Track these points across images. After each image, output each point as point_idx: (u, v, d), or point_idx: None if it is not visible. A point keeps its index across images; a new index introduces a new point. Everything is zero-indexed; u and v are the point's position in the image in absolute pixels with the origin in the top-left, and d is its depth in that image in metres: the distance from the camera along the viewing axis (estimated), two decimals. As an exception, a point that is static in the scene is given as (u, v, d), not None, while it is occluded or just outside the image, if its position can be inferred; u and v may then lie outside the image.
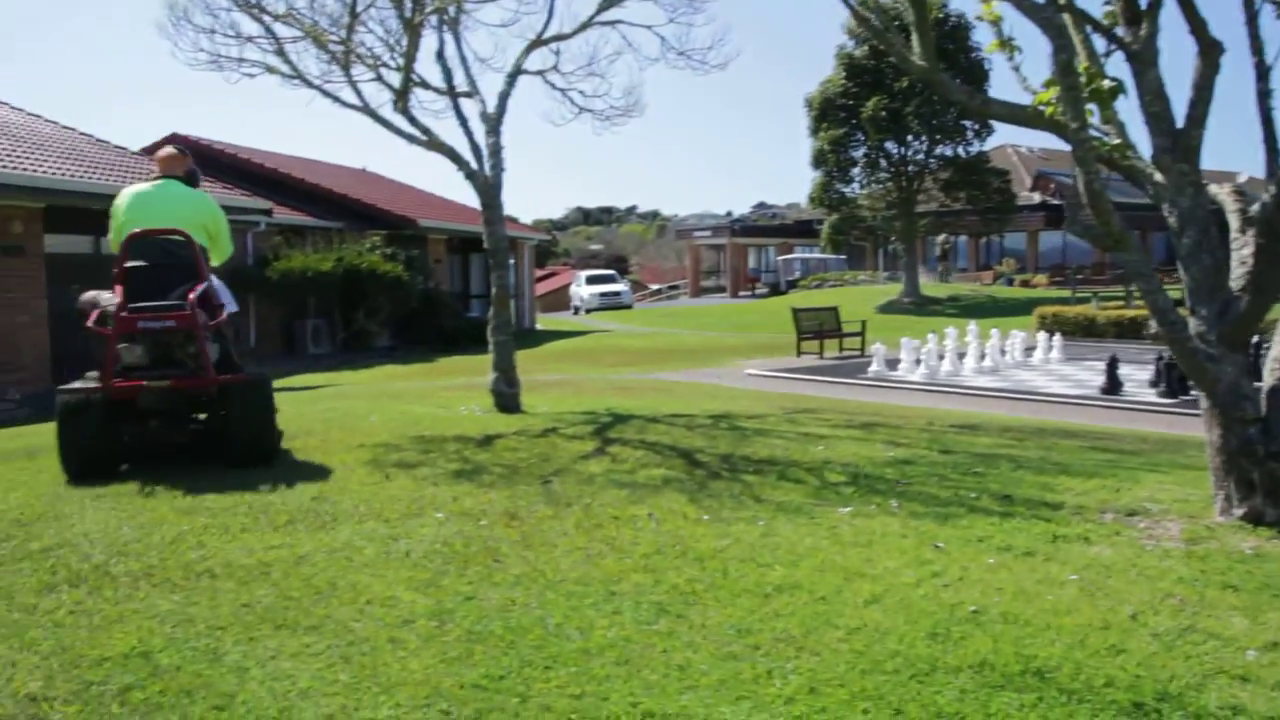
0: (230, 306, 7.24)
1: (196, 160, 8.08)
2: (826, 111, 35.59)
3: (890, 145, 35.38)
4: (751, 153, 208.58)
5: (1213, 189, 5.25)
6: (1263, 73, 4.73)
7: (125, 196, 7.23)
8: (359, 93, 10.33)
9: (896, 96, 33.76)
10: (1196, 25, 4.84)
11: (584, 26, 11.14)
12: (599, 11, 11.10)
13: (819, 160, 35.88)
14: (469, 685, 3.16)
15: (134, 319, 6.53)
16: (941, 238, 43.74)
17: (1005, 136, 56.27)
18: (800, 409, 10.93)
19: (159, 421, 6.95)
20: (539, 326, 36.11)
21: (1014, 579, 4.17)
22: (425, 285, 27.52)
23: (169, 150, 7.55)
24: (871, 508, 5.44)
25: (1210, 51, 4.85)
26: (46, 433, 9.35)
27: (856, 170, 36.51)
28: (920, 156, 35.67)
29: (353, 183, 31.17)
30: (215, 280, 7.18)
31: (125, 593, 4.07)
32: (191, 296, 6.59)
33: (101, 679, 3.22)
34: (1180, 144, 5.01)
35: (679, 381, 15.90)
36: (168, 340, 6.64)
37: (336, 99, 10.44)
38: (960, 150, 35.56)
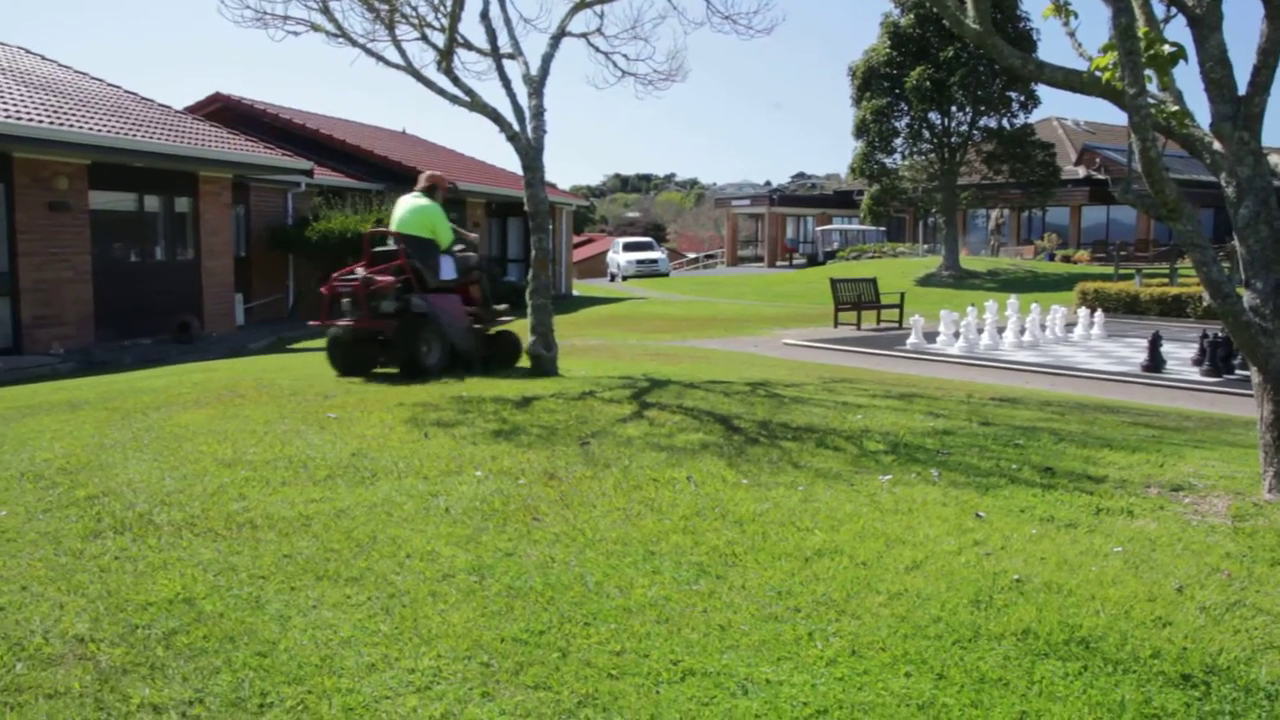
0: (446, 275, 10.36)
1: (236, 118, 10.52)
2: (870, 81, 35.20)
3: (933, 116, 34.96)
4: (792, 122, 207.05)
5: (1274, 159, 5.14)
6: None
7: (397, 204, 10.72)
8: (403, 52, 10.32)
9: (941, 67, 33.34)
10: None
11: (628, -11, 11.05)
12: (644, -27, 11.01)
13: (861, 130, 35.52)
14: (509, 639, 3.16)
15: (334, 283, 10.12)
16: (996, 212, 43.28)
17: (1051, 109, 55.54)
18: (838, 379, 10.87)
19: (376, 346, 10.17)
20: (576, 292, 36.12)
21: (1057, 550, 4.13)
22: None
23: (424, 173, 10.99)
24: (912, 476, 5.40)
25: (1278, 15, 4.72)
26: (89, 386, 9.47)
27: (898, 141, 36.10)
28: (964, 128, 35.22)
29: (393, 144, 31.18)
30: (443, 259, 10.36)
31: (169, 541, 4.11)
32: (360, 271, 10.11)
33: (147, 623, 3.25)
34: (1242, 111, 4.90)
35: (716, 349, 15.86)
36: (354, 296, 9.91)
37: (381, 58, 10.42)
38: (1004, 122, 35.08)
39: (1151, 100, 5.30)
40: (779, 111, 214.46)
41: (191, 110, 24.89)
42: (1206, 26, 4.96)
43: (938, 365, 15.01)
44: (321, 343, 17.93)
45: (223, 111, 26.76)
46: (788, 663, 3.03)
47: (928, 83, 33.29)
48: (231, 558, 3.90)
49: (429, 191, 10.57)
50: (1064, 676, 2.97)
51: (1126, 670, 3.00)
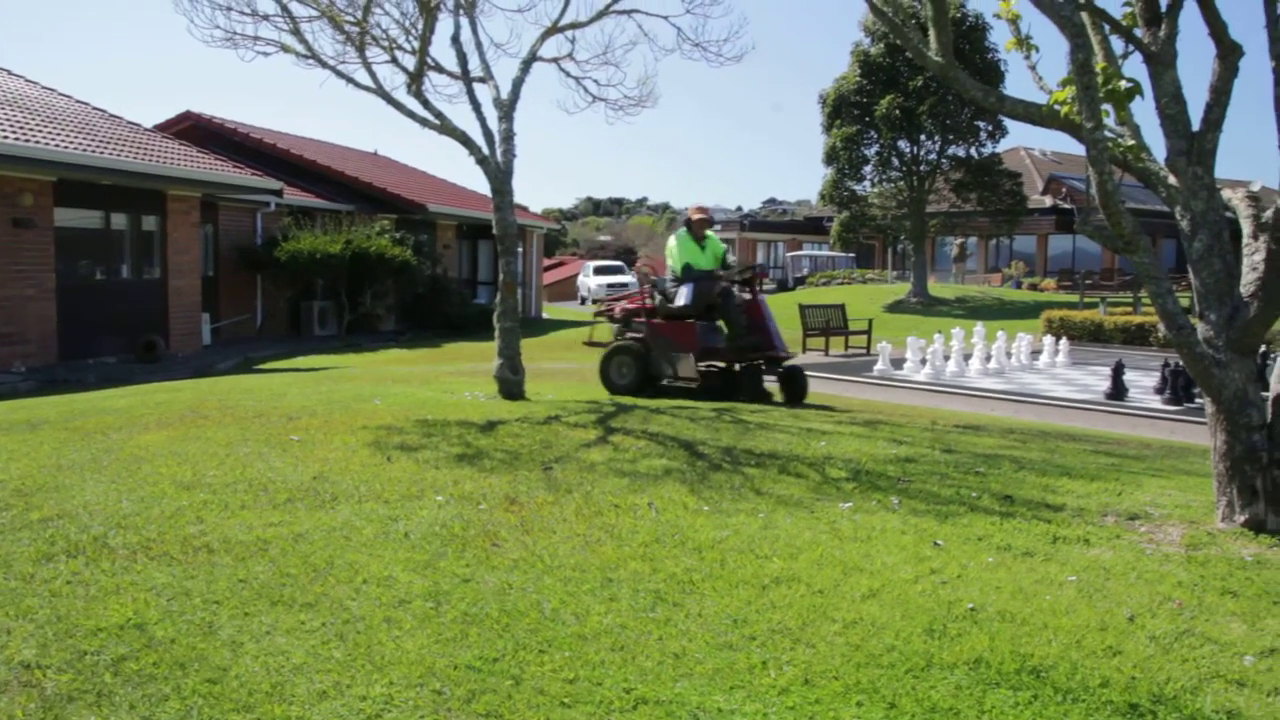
0: (680, 302, 11.64)
1: (207, 137, 9.89)
2: (840, 109, 35.48)
3: (903, 144, 35.26)
4: (764, 149, 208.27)
5: (1226, 194, 5.22)
6: (1280, 77, 4.70)
7: None
8: (373, 74, 10.32)
9: (911, 95, 33.66)
10: (1217, 28, 4.81)
11: (600, 15, 11.11)
12: (616, 0, 11.07)
13: (831, 157, 35.79)
14: (463, 666, 3.16)
15: (610, 307, 12.90)
16: (959, 240, 43.65)
17: (1018, 139, 56.18)
18: (803, 405, 10.91)
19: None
20: (546, 315, 36.10)
21: (1012, 578, 4.16)
22: (433, 270, 27.53)
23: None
24: (872, 504, 5.43)
25: (1230, 55, 4.82)
26: (50, 405, 9.38)
27: (868, 168, 36.38)
28: (932, 156, 35.55)
29: (364, 166, 31.15)
30: (682, 287, 11.70)
31: (123, 565, 4.07)
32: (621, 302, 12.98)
33: (95, 649, 3.22)
34: (1195, 147, 4.99)
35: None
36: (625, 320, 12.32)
37: (350, 80, 10.42)
38: (973, 151, 35.45)
39: (1109, 134, 5.39)
40: (750, 138, 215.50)
41: (161, 128, 24.78)
42: (1161, 64, 5.05)
43: (904, 392, 15.09)
44: (289, 363, 17.87)
45: (193, 130, 26.67)
46: (740, 691, 3.03)
47: (897, 111, 33.60)
48: (186, 582, 3.87)
49: (686, 223, 12.14)
50: (1014, 706, 2.99)
51: (1075, 699, 3.03)
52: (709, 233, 12.03)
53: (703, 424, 8.28)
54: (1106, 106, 5.34)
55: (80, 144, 16.83)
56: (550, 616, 3.59)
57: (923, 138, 35.00)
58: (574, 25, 11.08)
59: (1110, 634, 3.54)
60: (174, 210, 19.42)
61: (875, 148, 35.86)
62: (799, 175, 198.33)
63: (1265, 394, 5.03)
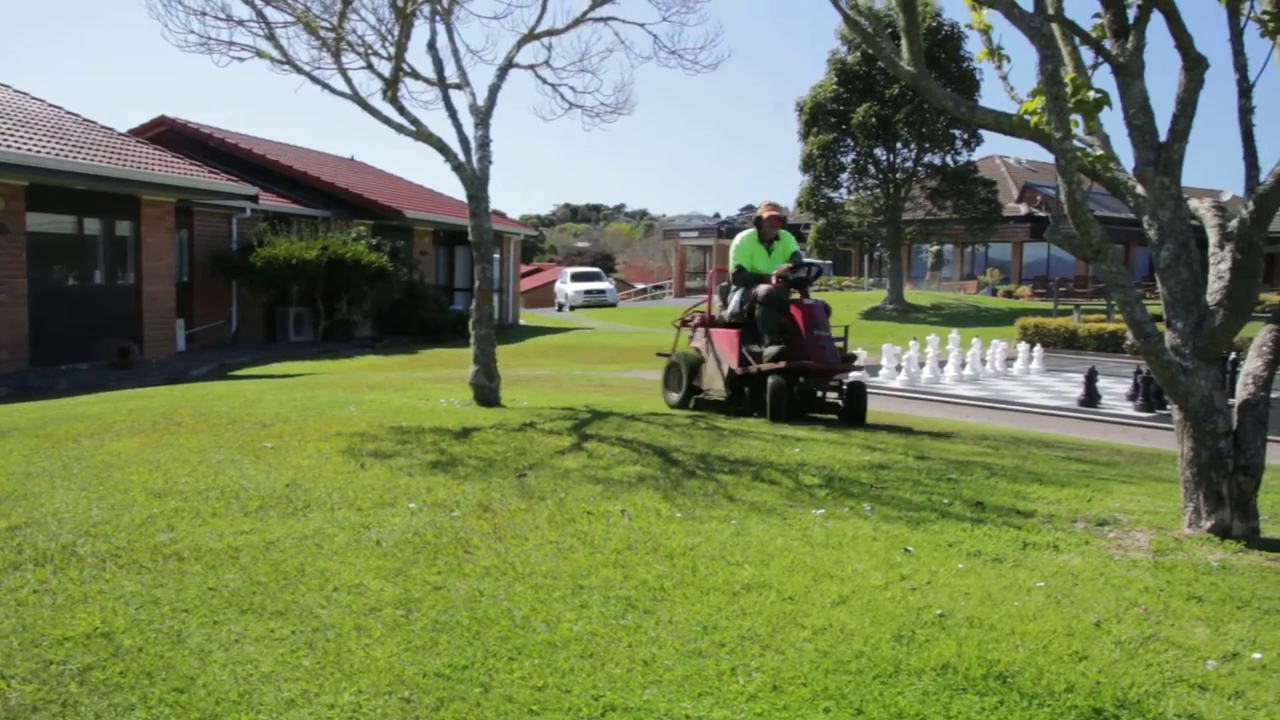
0: (730, 309, 10.70)
1: (182, 142, 9.55)
2: (817, 116, 35.65)
3: (879, 152, 35.49)
4: (742, 154, 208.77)
5: (1193, 204, 5.27)
6: (1245, 89, 4.76)
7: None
8: (349, 80, 10.30)
9: (887, 103, 33.84)
10: (1182, 40, 4.86)
11: (576, 22, 11.13)
12: (592, 7, 11.09)
13: (808, 165, 35.95)
14: (432, 674, 3.16)
15: (691, 315, 11.89)
16: (935, 248, 43.91)
17: (994, 147, 56.52)
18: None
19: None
20: (523, 322, 36.08)
21: (982, 584, 4.19)
22: (410, 277, 27.47)
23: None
24: (845, 510, 5.46)
25: (1195, 67, 4.87)
26: (20, 412, 9.31)
27: (845, 176, 36.60)
28: (908, 164, 35.77)
29: (340, 171, 31.06)
30: (735, 293, 10.70)
31: (91, 573, 4.05)
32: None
33: (61, 658, 3.21)
34: (1162, 157, 5.04)
35: (660, 380, 15.88)
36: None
37: (326, 86, 10.40)
38: (948, 159, 35.70)
39: (1078, 144, 5.44)
40: (728, 145, 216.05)
41: (136, 133, 24.65)
42: (1129, 75, 5.10)
43: (879, 399, 15.15)
44: (264, 370, 17.79)
45: (168, 135, 26.54)
46: (709, 698, 3.04)
47: (873, 119, 33.79)
48: (155, 590, 3.85)
49: (756, 221, 10.99)
50: (980, 711, 3.01)
51: (1041, 704, 3.05)
52: (783, 232, 10.86)
53: (678, 430, 8.29)
54: (1076, 117, 5.38)
55: (53, 149, 16.73)
56: (521, 624, 3.59)
57: (899, 145, 35.22)
58: (551, 32, 11.10)
59: (1077, 639, 3.57)
60: (148, 215, 19.31)
61: (852, 155, 36.06)
62: (777, 182, 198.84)
63: (1231, 401, 5.08)
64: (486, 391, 10.12)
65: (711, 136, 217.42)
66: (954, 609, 3.84)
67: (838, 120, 35.23)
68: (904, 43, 5.77)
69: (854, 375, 10.76)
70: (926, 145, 35.01)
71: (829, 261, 30.04)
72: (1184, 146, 5.02)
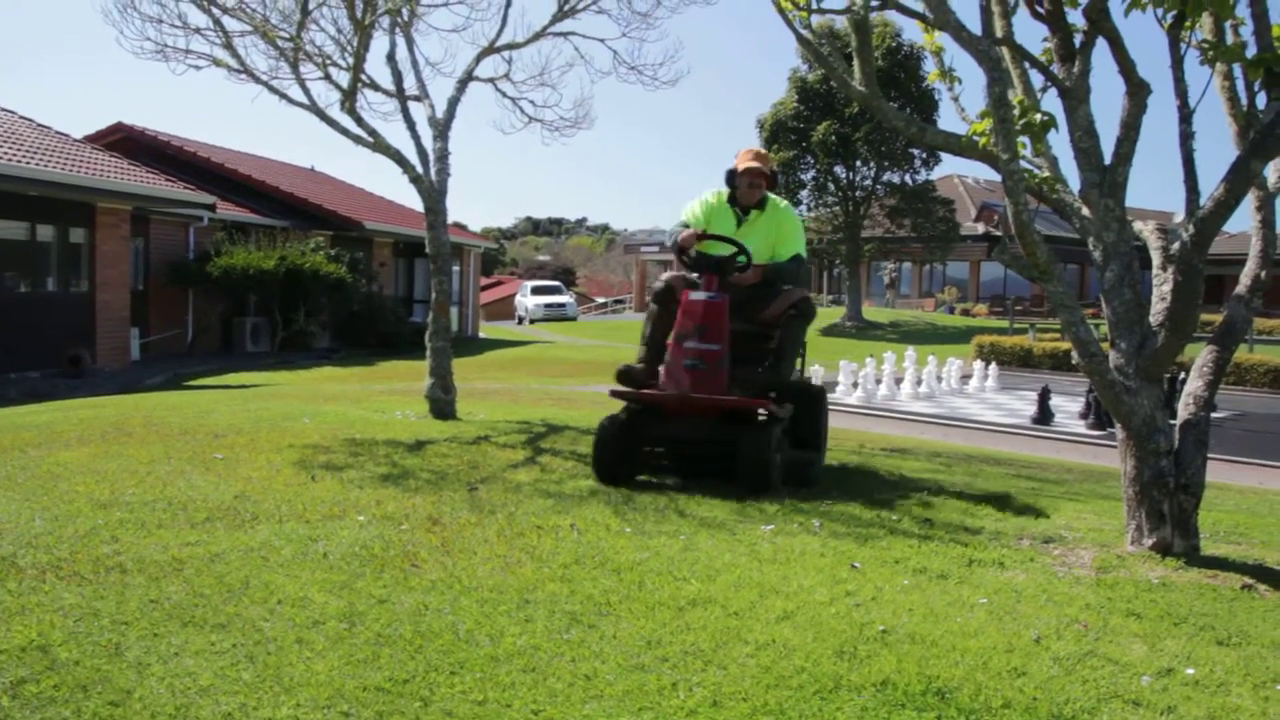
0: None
1: (139, 149, 8.86)
2: (777, 133, 35.92)
3: (839, 170, 35.80)
4: (704, 171, 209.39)
5: (1137, 225, 5.36)
6: (1185, 115, 4.85)
7: None
8: (307, 91, 10.27)
9: (847, 122, 34.14)
10: (1126, 66, 4.95)
11: (537, 36, 11.16)
12: (553, 22, 11.13)
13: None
14: (372, 688, 3.14)
15: None
16: (891, 265, 44.28)
17: (953, 166, 57.11)
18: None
19: None
20: (482, 335, 35.98)
21: (925, 600, 4.23)
22: (369, 288, 27.36)
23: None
24: (794, 526, 5.48)
25: (1138, 92, 4.96)
26: (-33, 420, 9.17)
27: (804, 193, 36.90)
28: (868, 182, 36.12)
29: (300, 181, 30.89)
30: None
31: (30, 585, 4.00)
32: None
33: (-4, 671, 3.16)
34: (1107, 180, 5.12)
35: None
36: None
37: (284, 96, 10.36)
38: (907, 178, 36.09)
39: (1026, 165, 5.52)
40: (690, 160, 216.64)
41: (92, 140, 24.40)
42: (1075, 98, 5.18)
43: (834, 415, 15.24)
44: (219, 380, 17.62)
45: (125, 142, 26.30)
46: (649, 713, 3.05)
47: (833, 137, 34.10)
48: (95, 603, 3.81)
49: (728, 176, 7.26)
50: (918, 726, 3.04)
51: (978, 720, 3.09)
52: (778, 203, 7.28)
53: (632, 445, 8.30)
54: (1024, 139, 5.48)
55: (6, 154, 16.52)
56: (464, 638, 3.58)
57: (858, 164, 35.58)
58: (511, 46, 11.12)
59: (1016, 655, 3.61)
60: (103, 223, 19.12)
61: (812, 173, 36.37)
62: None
63: (1173, 421, 5.17)
64: (442, 404, 10.09)
65: (675, 151, 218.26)
66: (896, 625, 3.88)
67: (798, 138, 35.52)
68: (856, 63, 5.83)
69: (763, 414, 6.68)
70: (886, 164, 35.38)
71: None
72: (1128, 170, 5.11)
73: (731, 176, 7.12)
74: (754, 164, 7.08)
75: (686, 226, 6.95)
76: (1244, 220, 5.44)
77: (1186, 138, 4.88)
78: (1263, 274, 5.20)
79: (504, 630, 3.67)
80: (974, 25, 5.22)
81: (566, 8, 11.09)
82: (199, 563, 4.37)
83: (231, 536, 4.83)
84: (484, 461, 7.19)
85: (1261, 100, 4.80)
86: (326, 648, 3.45)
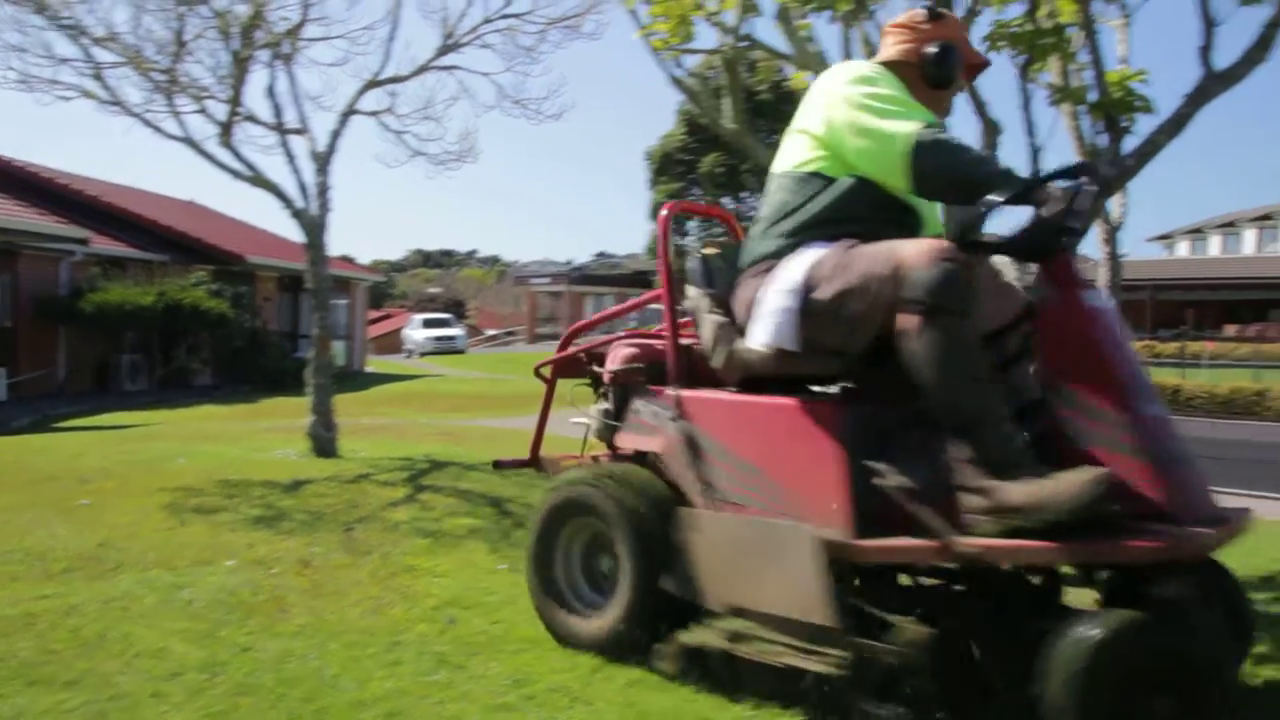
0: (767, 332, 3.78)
1: (6, 181, 8.15)
2: (666, 165, 36.38)
3: (726, 200, 36.27)
4: (596, 202, 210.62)
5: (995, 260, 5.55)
6: (1034, 153, 5.05)
7: None
8: (182, 124, 10.08)
9: (734, 154, 34.67)
10: (978, 105, 5.13)
11: (420, 70, 11.12)
12: (436, 56, 11.11)
13: (656, 213, 36.53)
14: (229, 740, 3.08)
15: None
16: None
17: (838, 197, 58.31)
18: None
19: None
20: (371, 369, 35.47)
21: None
22: (252, 323, 26.81)
23: None
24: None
25: (990, 131, 5.14)
26: None
27: (692, 224, 37.27)
28: (754, 213, 36.71)
29: (180, 215, 30.14)
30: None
31: None
32: None
33: None
34: (964, 216, 5.29)
35: (505, 428, 15.80)
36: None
37: (158, 129, 10.15)
38: (793, 209, 36.74)
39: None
40: (582, 192, 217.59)
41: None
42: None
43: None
44: (93, 420, 17.01)
45: (-8, 174, 25.39)
46: (512, 754, 3.05)
47: (720, 169, 34.60)
48: (-62, 662, 3.66)
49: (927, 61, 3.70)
50: (779, 758, 3.08)
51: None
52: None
53: (514, 480, 8.27)
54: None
55: None
56: (329, 684, 3.53)
57: (745, 195, 36.09)
58: (395, 79, 11.06)
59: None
60: (-33, 259, 18.43)
61: (700, 204, 36.81)
62: (631, 229, 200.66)
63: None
64: (324, 442, 9.94)
65: (566, 183, 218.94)
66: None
67: (685, 169, 36.01)
68: (726, 101, 5.95)
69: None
70: (772, 195, 35.99)
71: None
72: (983, 206, 5.28)
73: (946, 54, 3.52)
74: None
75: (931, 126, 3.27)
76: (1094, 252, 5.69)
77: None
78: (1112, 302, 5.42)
79: (370, 674, 3.63)
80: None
81: (450, 42, 11.09)
82: (53, 616, 4.23)
83: (91, 587, 4.68)
84: (363, 500, 7.10)
85: (1104, 140, 5.01)
86: (184, 700, 3.36)
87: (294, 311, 31.86)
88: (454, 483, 7.97)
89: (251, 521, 6.22)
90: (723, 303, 3.67)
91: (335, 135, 10.61)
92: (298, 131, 10.54)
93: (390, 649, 3.91)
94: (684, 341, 3.90)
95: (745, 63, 6.64)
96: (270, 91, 10.39)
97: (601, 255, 71.32)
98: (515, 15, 11.08)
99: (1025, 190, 3.02)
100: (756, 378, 3.55)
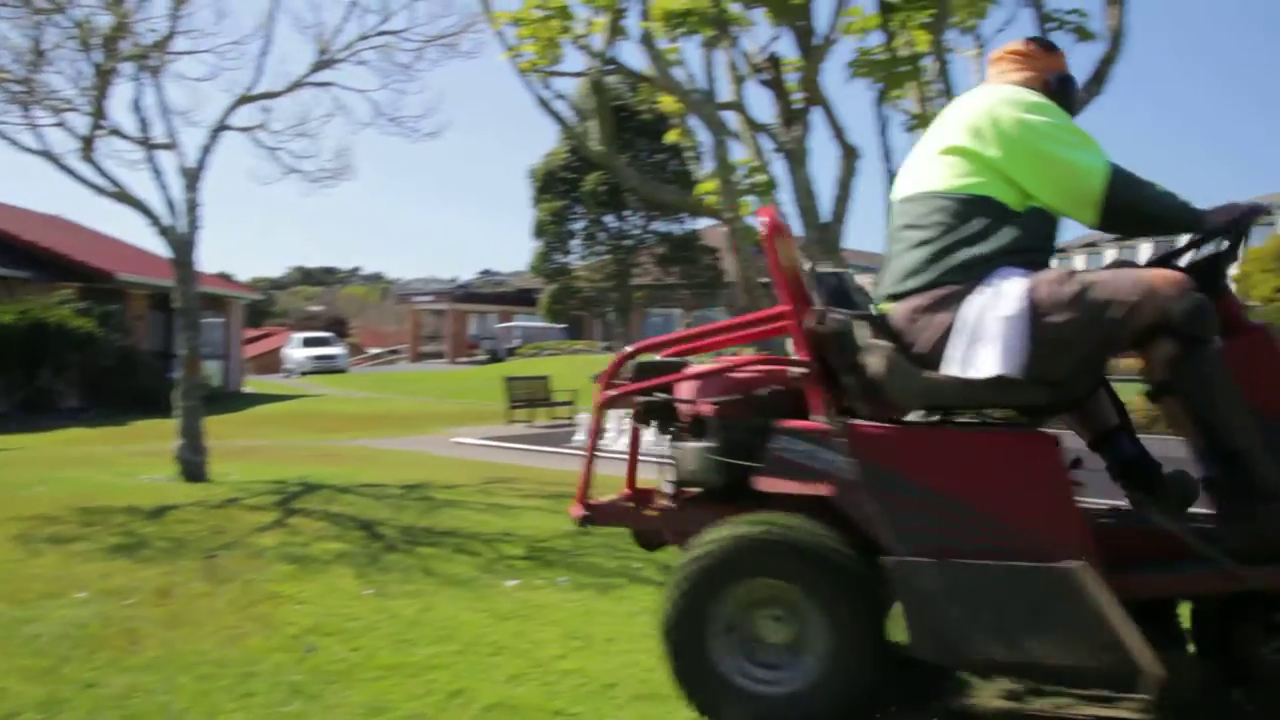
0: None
1: None
2: (549, 183, 36.37)
3: (609, 219, 36.48)
4: (481, 219, 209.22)
5: (859, 279, 5.69)
6: (890, 178, 5.20)
7: None
8: (40, 137, 9.75)
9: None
10: (837, 130, 5.28)
11: (295, 86, 10.95)
12: (311, 72, 10.96)
13: (539, 230, 36.58)
14: (65, 781, 2.98)
15: None
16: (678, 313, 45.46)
17: (721, 216, 59.02)
18: (498, 479, 10.94)
19: None
20: (248, 389, 34.64)
21: (658, 651, 4.30)
22: (123, 343, 25.96)
23: None
24: (539, 580, 5.52)
25: (849, 155, 5.29)
26: None
27: (575, 242, 37.43)
28: (637, 231, 36.92)
29: (44, 229, 29.05)
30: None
31: None
32: None
33: None
34: (825, 237, 5.42)
35: (385, 449, 15.62)
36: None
37: (14, 141, 9.80)
38: (675, 227, 37.01)
39: (754, 221, 5.79)
40: (467, 209, 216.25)
41: None
42: (795, 160, 5.49)
43: (602, 461, 15.39)
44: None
45: None
46: (363, 785, 3.01)
47: (602, 188, 34.74)
48: None
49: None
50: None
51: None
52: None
53: (389, 502, 8.18)
54: (751, 197, 5.75)
55: None
56: (175, 719, 3.43)
57: (627, 213, 36.32)
58: (268, 95, 10.88)
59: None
60: None
61: (582, 222, 36.93)
62: (515, 246, 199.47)
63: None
64: (193, 466, 9.70)
65: (449, 200, 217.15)
66: (625, 678, 3.93)
67: (568, 188, 36.06)
68: (594, 124, 6.01)
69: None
70: (654, 214, 36.22)
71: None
72: (842, 227, 5.43)
73: (1063, 83, 3.49)
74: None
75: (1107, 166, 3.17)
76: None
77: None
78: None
79: (220, 707, 3.54)
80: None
81: (325, 58, 10.94)
82: (-116, 655, 4.04)
83: (-73, 623, 4.48)
84: (229, 526, 6.94)
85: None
86: (19, 741, 3.24)
87: (168, 330, 30.86)
88: (325, 506, 7.84)
89: (109, 550, 6.03)
90: (883, 327, 3.23)
91: (205, 151, 10.38)
92: (166, 146, 10.29)
93: (243, 680, 3.82)
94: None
95: (628, 83, 6.71)
96: (136, 105, 10.13)
97: (487, 273, 70.92)
98: (392, 32, 11.00)
99: (1197, 223, 3.12)
100: (934, 409, 3.27)
